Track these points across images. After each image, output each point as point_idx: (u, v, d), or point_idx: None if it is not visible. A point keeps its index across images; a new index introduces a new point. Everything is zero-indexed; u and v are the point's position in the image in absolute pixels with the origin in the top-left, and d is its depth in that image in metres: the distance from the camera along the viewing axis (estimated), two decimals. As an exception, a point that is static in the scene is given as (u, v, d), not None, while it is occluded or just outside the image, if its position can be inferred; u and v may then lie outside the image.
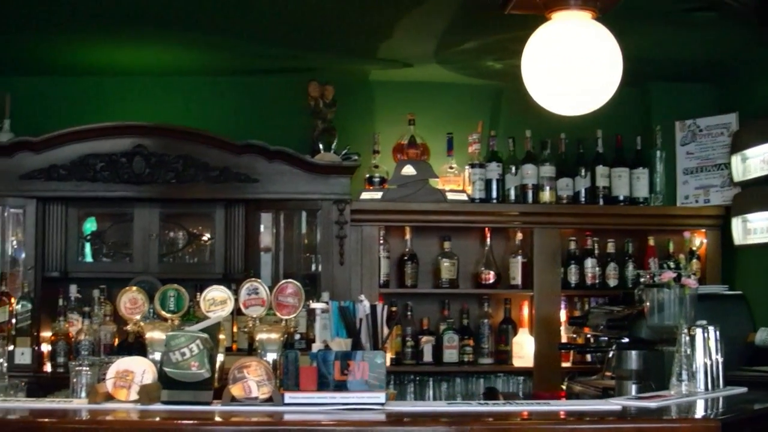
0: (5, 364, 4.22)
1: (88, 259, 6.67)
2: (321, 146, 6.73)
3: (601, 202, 6.94)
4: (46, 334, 6.41)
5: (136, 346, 5.24)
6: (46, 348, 6.36)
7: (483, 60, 6.70)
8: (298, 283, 4.02)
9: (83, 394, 3.82)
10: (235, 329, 6.00)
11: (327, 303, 4.02)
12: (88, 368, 3.86)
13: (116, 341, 6.23)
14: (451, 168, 6.97)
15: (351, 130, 7.02)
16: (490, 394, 6.62)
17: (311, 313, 4.77)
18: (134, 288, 4.04)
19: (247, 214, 6.57)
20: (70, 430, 3.25)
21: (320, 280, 6.46)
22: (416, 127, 6.99)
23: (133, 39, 6.35)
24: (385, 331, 3.84)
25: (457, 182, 6.95)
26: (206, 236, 6.69)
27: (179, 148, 6.43)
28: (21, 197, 6.42)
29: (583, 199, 6.94)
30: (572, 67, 4.37)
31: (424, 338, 6.79)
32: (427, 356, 6.78)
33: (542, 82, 4.49)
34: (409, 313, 6.85)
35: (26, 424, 3.30)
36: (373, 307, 3.81)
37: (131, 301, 3.99)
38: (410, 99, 7.19)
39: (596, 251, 6.97)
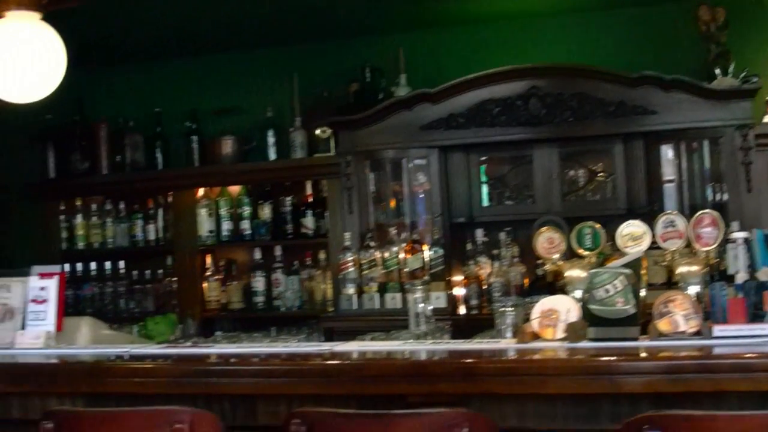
0: (429, 308, 4.39)
1: (491, 203, 6.78)
2: (717, 71, 6.46)
3: None
4: (458, 278, 6.60)
5: (547, 285, 5.30)
6: (458, 291, 6.55)
7: None
8: (717, 213, 3.89)
9: (509, 334, 3.90)
10: (644, 263, 5.90)
11: (747, 232, 3.88)
12: (511, 309, 3.93)
13: (526, 281, 6.32)
14: None
15: (747, 51, 6.69)
16: None
17: (724, 244, 4.61)
18: (550, 227, 4.06)
19: (646, 146, 6.44)
20: (500, 369, 3.30)
21: (727, 210, 6.22)
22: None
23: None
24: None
25: None
26: (605, 172, 6.63)
27: (573, 86, 6.38)
28: (423, 148, 6.62)
29: None
30: None
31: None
32: None
33: None
34: (825, 238, 6.48)
35: (458, 365, 3.37)
36: (802, 234, 3.63)
37: (548, 240, 4.01)
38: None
39: None
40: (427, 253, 6.38)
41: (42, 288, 4.18)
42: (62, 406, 3.60)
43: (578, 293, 3.76)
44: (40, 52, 4.01)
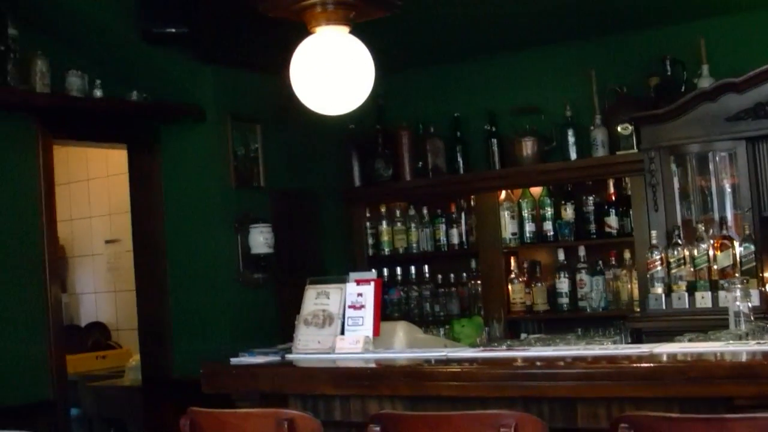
0: (750, 306, 4.24)
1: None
2: None
3: None
4: (771, 274, 6.33)
5: None
6: (772, 289, 6.29)
7: None
8: None
9: None
10: None
11: None
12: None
13: None
14: None
15: None
16: None
17: None
18: None
19: None
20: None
21: None
22: None
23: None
24: None
25: None
26: None
27: None
28: (729, 140, 6.37)
29: None
30: None
31: None
32: None
33: None
34: None
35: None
36: None
37: None
38: None
39: None
40: (737, 249, 6.16)
41: (359, 294, 4.30)
42: (382, 409, 3.69)
43: None
44: (350, 66, 4.14)
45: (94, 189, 9.30)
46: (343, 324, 4.34)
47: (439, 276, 7.69)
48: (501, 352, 4.00)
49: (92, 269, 9.36)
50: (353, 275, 4.40)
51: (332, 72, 4.11)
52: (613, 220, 7.00)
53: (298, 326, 4.44)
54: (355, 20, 4.28)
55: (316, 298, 4.42)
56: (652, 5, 6.69)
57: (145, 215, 6.98)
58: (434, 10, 6.44)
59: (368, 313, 4.27)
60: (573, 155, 7.16)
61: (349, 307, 4.32)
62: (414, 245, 7.75)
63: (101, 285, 9.28)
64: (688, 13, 6.85)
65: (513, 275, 7.35)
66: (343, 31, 4.22)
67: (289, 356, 4.40)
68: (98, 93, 6.30)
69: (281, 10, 4.33)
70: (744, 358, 3.42)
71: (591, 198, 7.11)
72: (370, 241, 7.86)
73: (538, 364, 3.64)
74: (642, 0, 6.58)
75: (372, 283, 4.32)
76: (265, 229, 6.98)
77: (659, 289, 6.30)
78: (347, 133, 7.72)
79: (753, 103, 6.24)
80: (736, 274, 6.07)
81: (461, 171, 7.58)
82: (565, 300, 7.18)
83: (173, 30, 6.15)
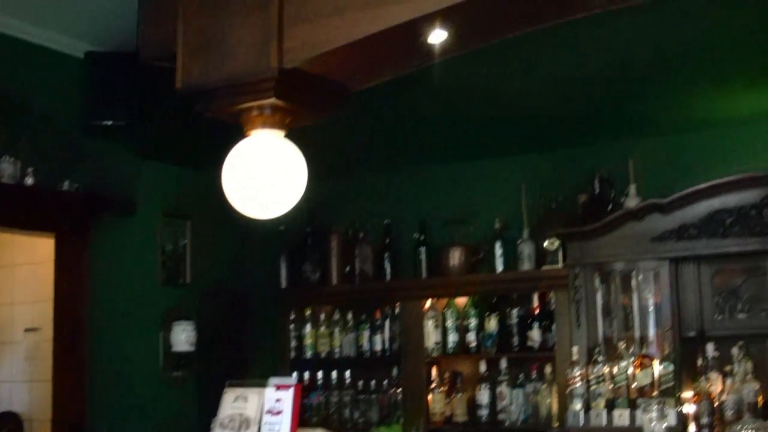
0: (664, 426, 4.28)
1: (723, 316, 6.53)
2: None
3: None
4: (688, 394, 6.38)
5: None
6: (688, 409, 6.34)
7: None
8: None
9: (750, 459, 3.75)
10: None
11: None
12: (753, 431, 3.78)
13: (760, 399, 6.05)
14: None
15: None
16: None
17: None
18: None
19: None
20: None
21: None
22: None
23: (752, 86, 6.20)
24: None
25: None
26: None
27: (811, 196, 6.16)
28: (653, 259, 6.48)
29: None
30: None
31: None
32: None
33: None
34: None
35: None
36: None
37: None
38: None
39: None
40: (657, 368, 6.23)
41: (278, 400, 4.25)
42: None
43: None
44: (283, 170, 4.14)
45: (19, 275, 9.15)
46: (260, 429, 4.28)
47: (361, 382, 7.65)
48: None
49: (9, 357, 9.17)
50: (273, 380, 4.36)
51: (265, 177, 4.10)
52: (536, 334, 7.04)
53: (214, 429, 4.37)
54: (290, 125, 4.30)
55: (234, 401, 4.36)
56: (584, 125, 6.84)
57: (68, 305, 6.86)
58: (370, 120, 6.52)
59: (286, 420, 4.21)
60: (500, 267, 7.23)
61: (267, 412, 4.27)
62: (337, 350, 7.73)
63: (17, 374, 9.08)
64: (618, 133, 7.02)
65: (434, 384, 7.33)
66: (278, 135, 4.23)
67: (203, 460, 4.33)
68: (29, 181, 6.24)
69: (218, 111, 4.34)
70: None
71: (515, 310, 7.16)
72: (294, 343, 7.82)
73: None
74: (574, 119, 6.72)
75: (291, 389, 4.27)
76: (188, 326, 6.93)
77: (578, 405, 6.33)
78: (277, 233, 7.73)
79: (678, 224, 6.37)
80: (655, 393, 6.14)
81: (388, 278, 7.62)
82: (485, 411, 7.16)
83: (111, 123, 6.16)
